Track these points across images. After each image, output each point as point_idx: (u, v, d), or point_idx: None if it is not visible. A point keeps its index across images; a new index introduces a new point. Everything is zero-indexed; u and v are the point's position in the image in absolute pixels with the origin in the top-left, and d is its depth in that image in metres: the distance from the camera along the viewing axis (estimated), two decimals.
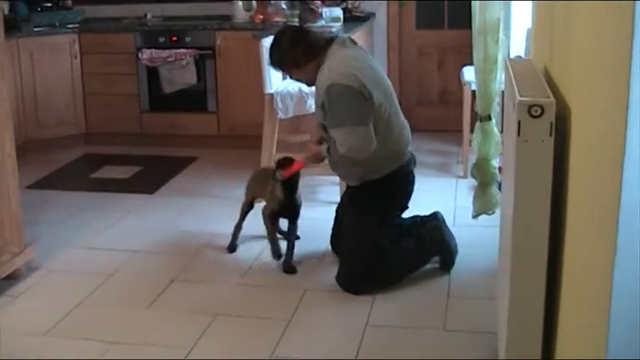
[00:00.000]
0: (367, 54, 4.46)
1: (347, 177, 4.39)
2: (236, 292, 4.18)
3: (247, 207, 4.76)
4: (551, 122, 2.52)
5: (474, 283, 4.18)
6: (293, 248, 4.45)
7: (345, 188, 4.56)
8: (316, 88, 4.21)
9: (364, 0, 6.90)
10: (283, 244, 4.49)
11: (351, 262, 4.18)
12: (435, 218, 4.48)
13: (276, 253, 4.44)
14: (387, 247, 4.21)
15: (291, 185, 4.40)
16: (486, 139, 4.27)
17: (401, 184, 4.30)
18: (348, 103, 4.02)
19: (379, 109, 4.09)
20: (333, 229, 4.60)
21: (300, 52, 4.24)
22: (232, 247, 4.69)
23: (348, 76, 4.02)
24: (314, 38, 4.33)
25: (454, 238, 4.43)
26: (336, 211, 4.60)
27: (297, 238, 4.59)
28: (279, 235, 4.58)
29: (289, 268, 4.38)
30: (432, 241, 4.34)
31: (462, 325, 3.76)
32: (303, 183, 4.55)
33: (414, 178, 4.35)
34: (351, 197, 4.35)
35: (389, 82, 4.37)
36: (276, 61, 4.39)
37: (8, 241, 4.26)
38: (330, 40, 4.29)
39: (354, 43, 4.36)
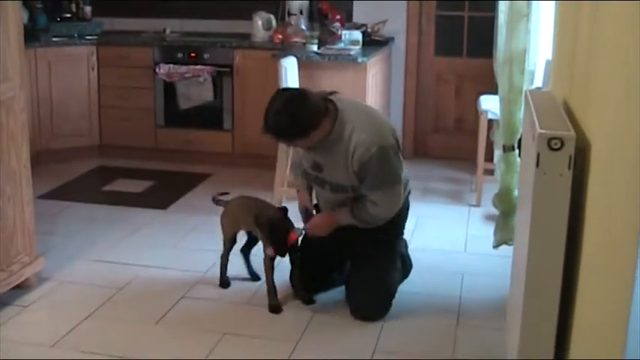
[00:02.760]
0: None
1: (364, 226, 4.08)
2: (245, 312, 4.17)
3: (230, 243, 4.50)
4: (570, 156, 2.53)
5: (483, 312, 4.16)
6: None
7: None
8: (340, 152, 3.84)
9: (384, 24, 6.89)
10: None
11: (374, 298, 4.08)
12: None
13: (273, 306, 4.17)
14: (399, 277, 4.27)
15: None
16: (509, 169, 4.28)
17: (404, 211, 4.25)
18: (393, 163, 3.87)
19: None
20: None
21: (316, 109, 3.76)
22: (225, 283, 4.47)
23: (385, 133, 3.87)
24: (315, 94, 3.85)
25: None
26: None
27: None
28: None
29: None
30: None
31: (470, 354, 3.74)
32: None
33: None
34: (364, 236, 4.11)
35: None
36: (300, 129, 3.74)
37: (20, 250, 4.26)
38: (327, 94, 3.91)
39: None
